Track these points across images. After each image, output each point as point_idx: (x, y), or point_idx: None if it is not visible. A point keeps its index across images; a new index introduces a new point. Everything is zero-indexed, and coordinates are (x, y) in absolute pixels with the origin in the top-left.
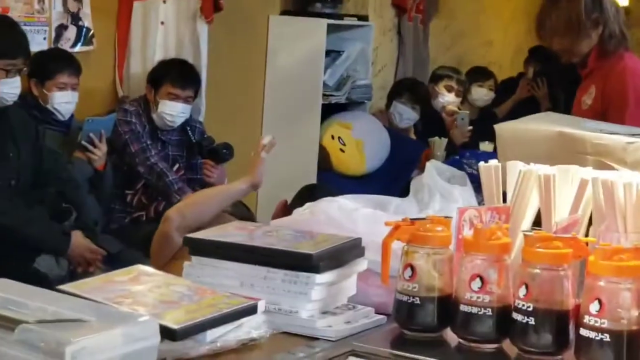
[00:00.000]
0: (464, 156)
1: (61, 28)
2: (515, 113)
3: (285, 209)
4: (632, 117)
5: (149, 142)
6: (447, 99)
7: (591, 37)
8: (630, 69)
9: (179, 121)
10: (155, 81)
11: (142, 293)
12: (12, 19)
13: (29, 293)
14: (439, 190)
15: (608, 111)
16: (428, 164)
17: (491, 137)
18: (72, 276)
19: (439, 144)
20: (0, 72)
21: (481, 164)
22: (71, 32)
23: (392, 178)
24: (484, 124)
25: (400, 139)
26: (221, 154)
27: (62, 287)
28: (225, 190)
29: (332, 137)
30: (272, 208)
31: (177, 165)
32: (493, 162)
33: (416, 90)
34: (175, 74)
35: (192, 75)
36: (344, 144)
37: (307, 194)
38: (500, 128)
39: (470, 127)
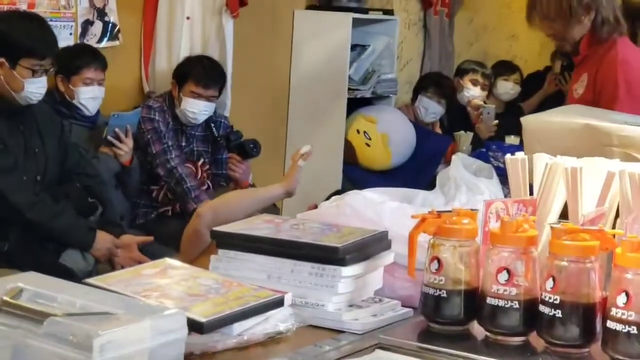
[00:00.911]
0: (490, 149)
1: (87, 23)
2: (543, 108)
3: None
4: (622, 108)
5: (170, 143)
6: (472, 92)
7: (583, 23)
8: (622, 57)
9: (201, 118)
10: (179, 77)
11: (169, 286)
12: (42, 18)
13: (56, 286)
14: (465, 183)
15: (599, 101)
16: (454, 157)
17: (517, 131)
18: (98, 271)
19: (465, 138)
20: (27, 72)
21: (507, 156)
22: (97, 28)
23: (418, 172)
24: (509, 118)
25: (426, 133)
26: (248, 149)
27: (89, 280)
28: (260, 194)
29: (358, 132)
30: (297, 203)
31: (202, 160)
32: (519, 155)
33: (442, 85)
34: (199, 73)
35: (216, 74)
36: (370, 139)
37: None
38: (526, 120)
39: (496, 122)
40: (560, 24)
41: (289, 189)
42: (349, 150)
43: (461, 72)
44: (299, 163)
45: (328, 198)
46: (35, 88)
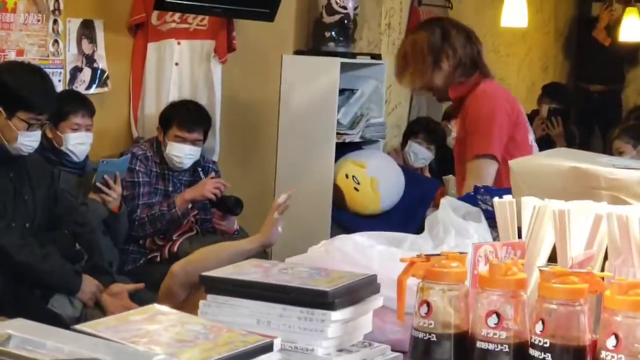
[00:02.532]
0: (479, 192)
1: (76, 70)
2: None
3: None
4: (479, 138)
5: (140, 202)
6: None
7: (442, 69)
8: (482, 89)
9: (187, 163)
10: (164, 122)
11: (158, 332)
12: (46, 73)
13: (45, 333)
14: (453, 227)
15: (465, 134)
16: (443, 200)
17: None
18: (87, 317)
19: (454, 182)
20: (23, 124)
21: (496, 199)
22: (86, 74)
23: (407, 216)
24: None
25: (415, 177)
26: (230, 207)
27: (77, 326)
28: (234, 249)
29: (347, 176)
30: (287, 248)
31: (189, 205)
32: (507, 198)
33: (432, 130)
34: (183, 117)
35: (199, 118)
36: (359, 183)
37: None
38: (514, 163)
39: None
40: (420, 73)
41: (266, 242)
42: (337, 194)
43: (448, 115)
44: (275, 215)
45: None
46: (28, 141)
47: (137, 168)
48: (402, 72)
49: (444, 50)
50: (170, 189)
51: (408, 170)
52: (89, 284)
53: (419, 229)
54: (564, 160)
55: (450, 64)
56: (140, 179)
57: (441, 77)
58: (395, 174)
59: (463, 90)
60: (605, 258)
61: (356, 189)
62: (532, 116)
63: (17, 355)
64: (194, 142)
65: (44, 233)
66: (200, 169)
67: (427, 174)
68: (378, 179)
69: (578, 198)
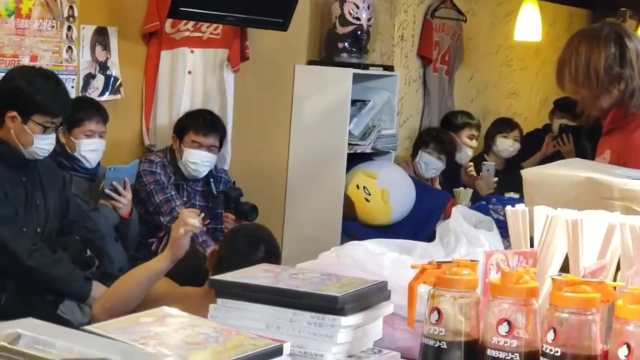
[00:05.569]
0: (490, 202)
1: (89, 77)
2: None
3: (214, 254)
4: None
5: (173, 193)
6: (468, 150)
7: (612, 93)
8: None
9: (203, 170)
10: (180, 130)
11: (167, 334)
12: (58, 77)
13: (55, 332)
14: (465, 235)
15: None
16: (454, 209)
17: (517, 188)
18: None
19: (465, 194)
20: (39, 128)
21: (508, 208)
22: (99, 81)
23: (418, 228)
24: (509, 175)
25: (426, 189)
26: (246, 213)
27: (87, 327)
28: (146, 271)
29: (357, 187)
30: (298, 257)
31: (202, 215)
32: (520, 207)
33: (442, 140)
34: (199, 122)
35: (215, 124)
36: (369, 194)
37: (231, 237)
38: (527, 173)
39: (496, 179)
40: (587, 90)
41: (174, 257)
42: (348, 205)
43: (456, 128)
44: (180, 232)
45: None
46: (44, 144)
47: (158, 170)
48: (562, 74)
49: (619, 75)
50: (185, 198)
51: (419, 182)
52: (99, 290)
53: (429, 241)
54: (577, 170)
55: (622, 90)
56: (164, 179)
57: (607, 100)
58: (406, 186)
59: (627, 124)
60: (618, 268)
61: (367, 200)
62: (545, 131)
63: (27, 354)
64: (209, 148)
65: (55, 238)
66: (212, 180)
67: (438, 186)
68: (389, 191)
69: (591, 208)
